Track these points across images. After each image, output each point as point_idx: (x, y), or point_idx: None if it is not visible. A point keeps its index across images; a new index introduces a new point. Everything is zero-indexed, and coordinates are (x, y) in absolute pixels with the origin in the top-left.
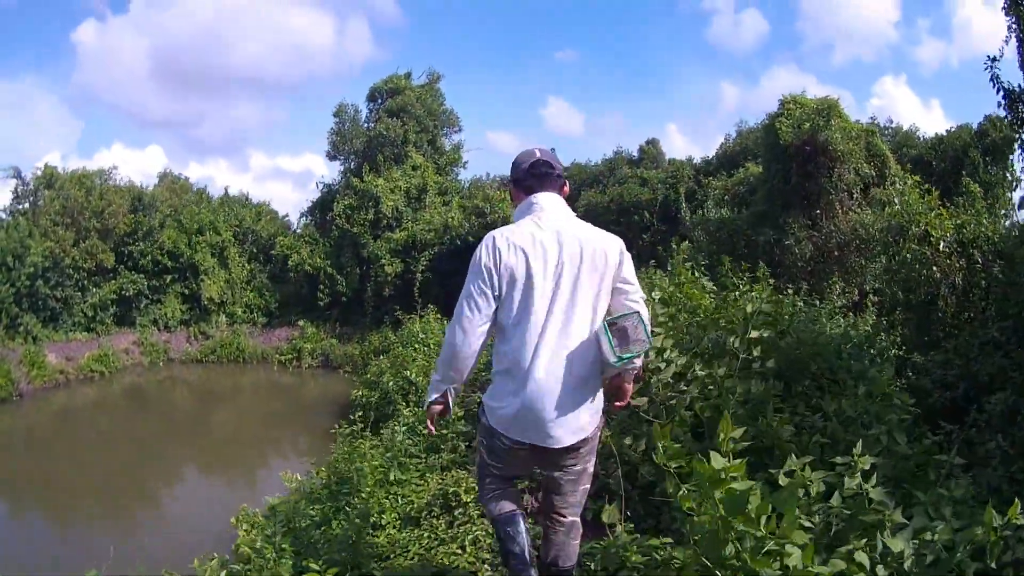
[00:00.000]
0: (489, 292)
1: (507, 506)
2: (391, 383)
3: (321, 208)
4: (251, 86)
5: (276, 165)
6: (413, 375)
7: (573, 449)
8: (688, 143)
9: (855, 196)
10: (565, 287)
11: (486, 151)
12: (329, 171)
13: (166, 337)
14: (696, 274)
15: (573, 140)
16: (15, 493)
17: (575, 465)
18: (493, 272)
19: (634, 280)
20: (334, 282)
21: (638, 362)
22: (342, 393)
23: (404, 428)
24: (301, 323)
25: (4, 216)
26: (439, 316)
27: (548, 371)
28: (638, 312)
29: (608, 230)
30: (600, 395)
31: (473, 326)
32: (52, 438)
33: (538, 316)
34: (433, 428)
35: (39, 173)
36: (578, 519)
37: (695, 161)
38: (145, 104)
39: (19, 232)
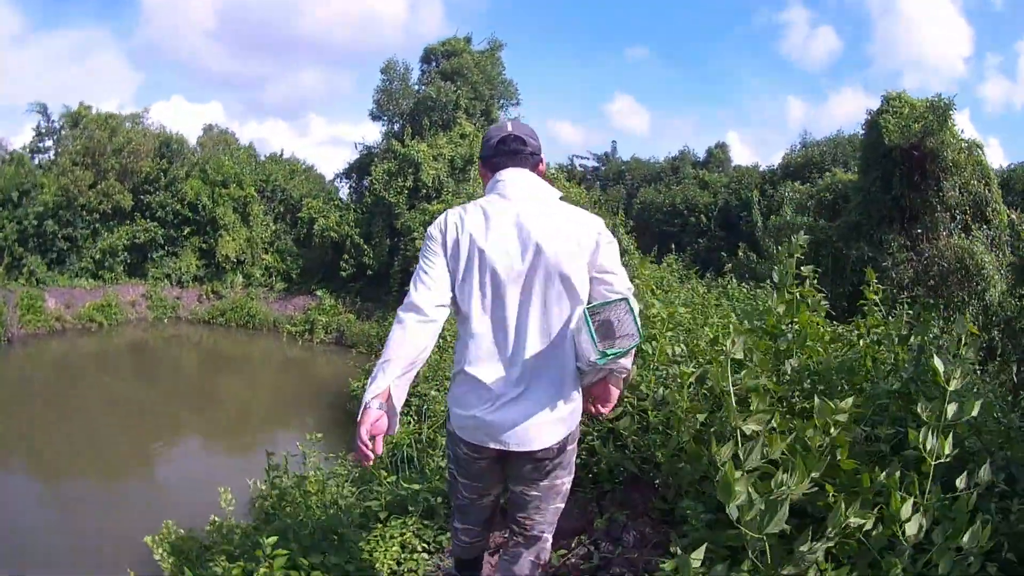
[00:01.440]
0: (440, 270)
1: (469, 553)
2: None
3: (358, 172)
4: (317, 52)
5: (335, 133)
6: (420, 375)
7: (540, 459)
8: (749, 154)
9: (959, 218)
10: (528, 275)
11: (546, 138)
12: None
13: (177, 293)
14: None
15: (637, 138)
16: None
17: (541, 479)
18: (443, 249)
19: (616, 268)
20: (360, 252)
21: (626, 361)
22: (352, 376)
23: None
24: (319, 293)
25: (22, 152)
26: None
27: (511, 367)
28: (626, 299)
29: (662, 231)
30: (577, 400)
31: (423, 303)
32: (33, 389)
33: (496, 306)
34: (368, 449)
35: (68, 111)
36: (545, 538)
37: (761, 169)
38: (207, 61)
39: (26, 167)
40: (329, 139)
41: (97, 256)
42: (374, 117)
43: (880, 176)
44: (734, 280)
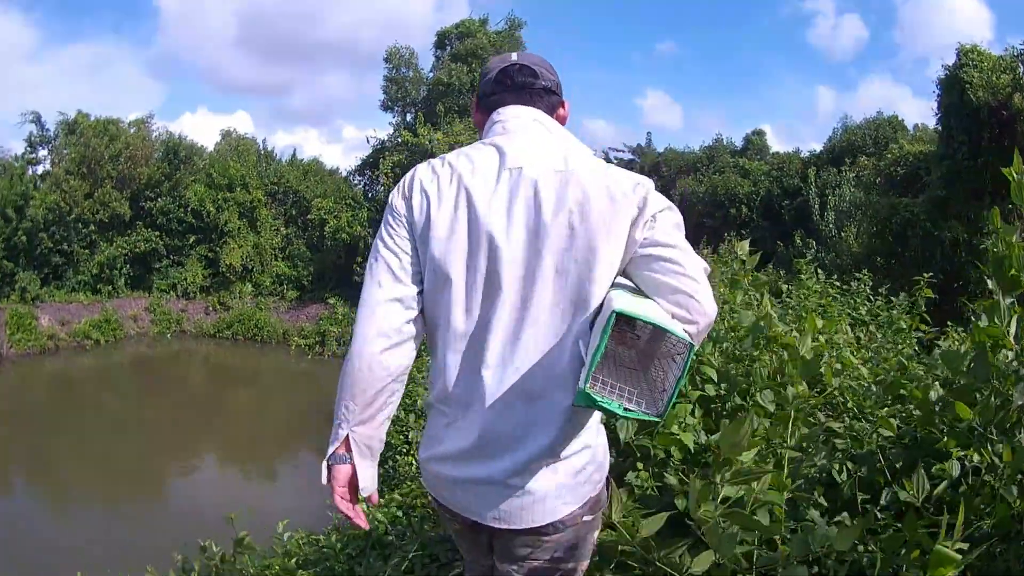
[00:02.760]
0: (405, 256)
1: None
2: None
3: (372, 168)
4: (342, 56)
5: (367, 137)
6: (420, 400)
7: (532, 536)
8: (781, 145)
9: None
10: (534, 259)
11: (581, 136)
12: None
13: (182, 305)
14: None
15: (671, 133)
16: None
17: (535, 561)
18: (409, 226)
19: (679, 241)
20: None
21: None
22: None
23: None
24: (332, 301)
25: (13, 162)
26: None
27: (490, 401)
28: (692, 345)
29: (701, 223)
30: (600, 450)
31: (376, 314)
32: (25, 411)
33: (484, 308)
34: (352, 512)
35: (66, 119)
36: None
37: (803, 155)
38: (231, 69)
39: (20, 183)
40: (361, 144)
41: (95, 269)
42: (384, 108)
43: (967, 142)
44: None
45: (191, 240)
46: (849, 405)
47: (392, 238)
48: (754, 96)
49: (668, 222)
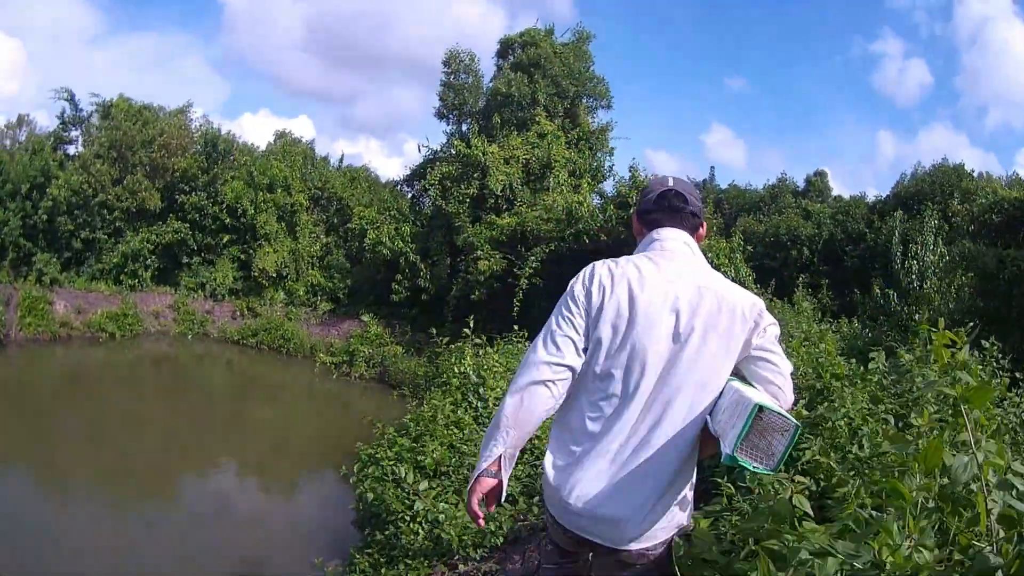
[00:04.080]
0: (578, 330)
1: None
2: (373, 487)
3: (421, 178)
4: (410, 69)
5: (419, 146)
6: (423, 465)
7: (638, 554)
8: (842, 189)
9: None
10: (676, 344)
11: (643, 165)
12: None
13: (209, 306)
14: None
15: (733, 170)
16: None
17: None
18: (587, 306)
19: (778, 349)
20: (415, 272)
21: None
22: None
23: None
24: (366, 318)
25: (43, 139)
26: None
27: (627, 443)
28: (798, 428)
29: (762, 263)
30: (689, 495)
31: (550, 368)
32: (27, 400)
33: (628, 373)
34: (479, 515)
35: (100, 101)
36: None
37: (868, 199)
38: (296, 73)
39: (41, 159)
40: (417, 158)
41: (118, 259)
42: (439, 117)
43: None
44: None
45: (224, 239)
46: None
47: (569, 313)
48: (817, 136)
49: (772, 334)
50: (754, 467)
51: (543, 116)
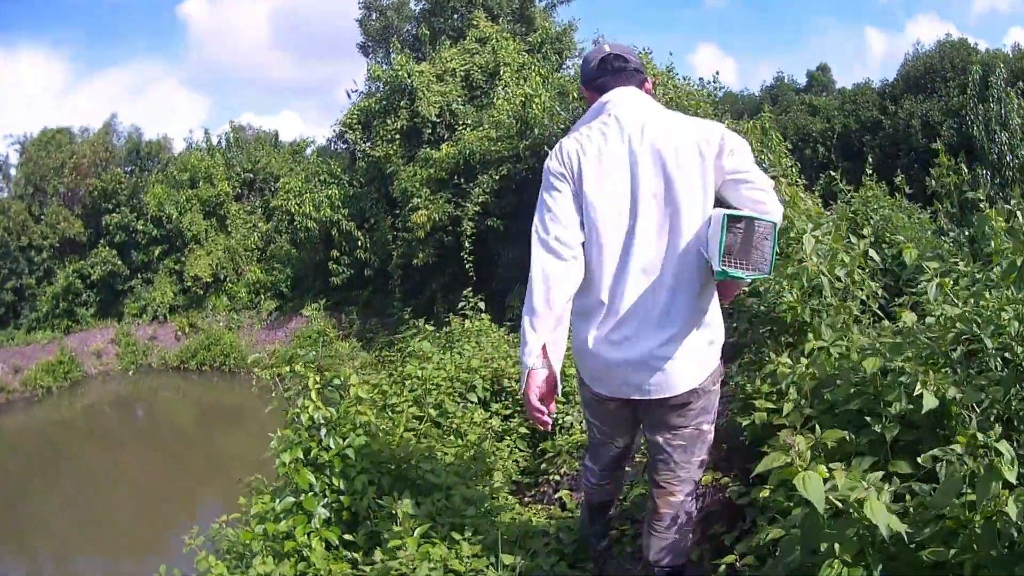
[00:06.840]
0: (568, 203)
1: (596, 496)
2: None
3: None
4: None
5: (347, 92)
6: None
7: (678, 405)
8: (845, 83)
9: None
10: (653, 192)
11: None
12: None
13: (153, 330)
14: None
15: (725, 85)
16: None
17: (684, 427)
18: (569, 181)
19: (751, 166)
20: (353, 244)
21: (741, 285)
22: None
23: None
24: (308, 312)
25: None
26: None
27: (636, 300)
28: (775, 225)
29: None
30: (719, 331)
31: (562, 238)
32: None
33: (618, 231)
34: (543, 411)
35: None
36: (688, 501)
37: (875, 85)
38: (269, 70)
39: None
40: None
41: (51, 302)
42: (364, 52)
43: None
44: None
45: (156, 252)
46: None
47: (556, 189)
48: (804, 43)
49: (742, 152)
50: (745, 275)
51: (482, 18)
